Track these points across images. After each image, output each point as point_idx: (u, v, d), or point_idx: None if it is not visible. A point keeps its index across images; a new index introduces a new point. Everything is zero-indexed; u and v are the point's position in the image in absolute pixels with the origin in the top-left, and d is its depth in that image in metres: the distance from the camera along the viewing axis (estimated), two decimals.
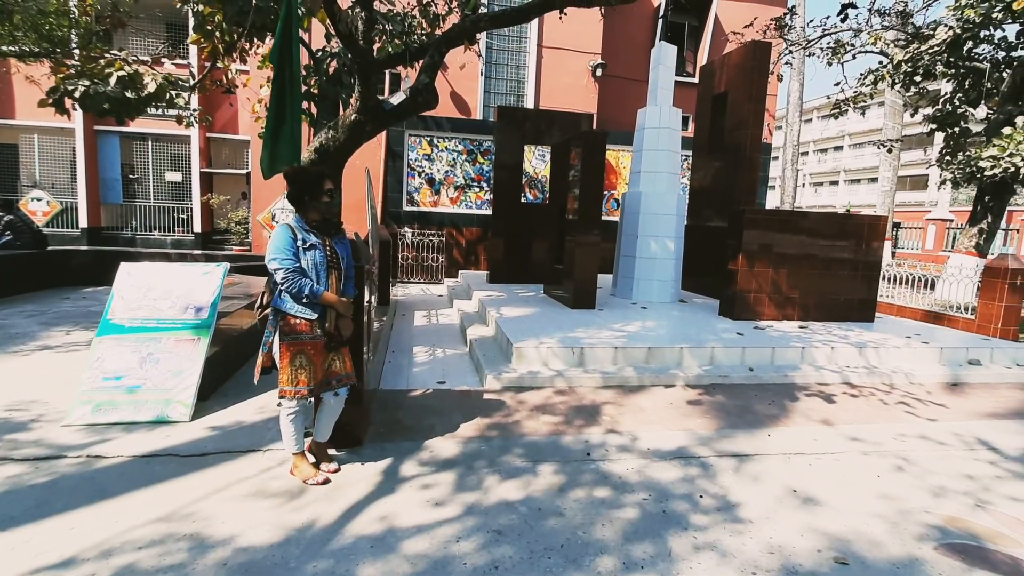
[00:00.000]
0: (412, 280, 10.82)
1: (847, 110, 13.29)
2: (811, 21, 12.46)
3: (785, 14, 12.28)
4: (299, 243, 2.59)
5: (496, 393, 4.04)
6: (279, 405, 2.64)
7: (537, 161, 11.22)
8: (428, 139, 10.76)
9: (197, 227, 15.72)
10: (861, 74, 11.72)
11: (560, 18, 7.92)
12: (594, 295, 6.39)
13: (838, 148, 47.24)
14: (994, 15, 7.84)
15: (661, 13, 13.77)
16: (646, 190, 7.16)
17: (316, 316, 2.61)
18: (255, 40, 6.95)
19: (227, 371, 4.17)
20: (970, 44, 8.84)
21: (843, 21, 4.86)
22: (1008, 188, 8.70)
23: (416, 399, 3.87)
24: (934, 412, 4.08)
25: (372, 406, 3.67)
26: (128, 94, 7.05)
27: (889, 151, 14.29)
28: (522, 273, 8.60)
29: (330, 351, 2.70)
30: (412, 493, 2.62)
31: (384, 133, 11.04)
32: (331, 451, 2.97)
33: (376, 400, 3.79)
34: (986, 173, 8.02)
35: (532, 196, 11.14)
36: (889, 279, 8.31)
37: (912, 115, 13.32)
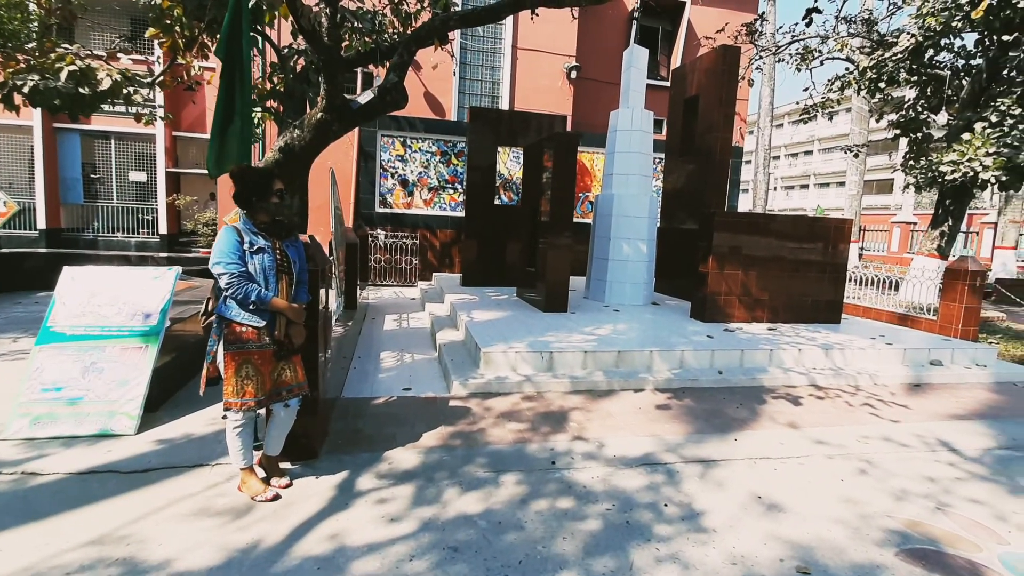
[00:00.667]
0: (385, 283, 10.64)
1: (816, 115, 13.57)
2: (780, 27, 12.71)
3: (755, 20, 12.48)
4: (246, 246, 2.45)
5: (462, 400, 3.94)
6: (224, 418, 2.50)
7: (512, 163, 11.16)
8: (401, 140, 10.60)
9: (163, 228, 15.24)
10: (829, 80, 11.98)
11: (532, 19, 7.88)
12: (566, 298, 6.34)
13: (808, 152, 48.40)
14: (954, 24, 8.07)
15: (634, 16, 13.87)
16: (618, 192, 7.15)
17: (264, 323, 2.48)
18: (217, 35, 6.73)
19: (179, 380, 3.98)
20: (931, 52, 9.08)
21: (808, 26, 4.91)
22: (968, 192, 8.96)
23: (379, 407, 3.75)
24: (897, 413, 4.12)
25: (332, 415, 3.54)
26: (82, 90, 6.76)
27: (856, 156, 14.64)
28: (496, 276, 8.51)
29: (280, 360, 2.57)
30: (367, 508, 2.50)
31: (356, 133, 10.85)
32: (284, 465, 2.83)
33: (337, 409, 3.66)
34: (947, 177, 8.24)
35: (507, 198, 11.08)
36: (856, 281, 8.46)
37: (877, 121, 13.67)
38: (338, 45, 5.52)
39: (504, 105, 12.46)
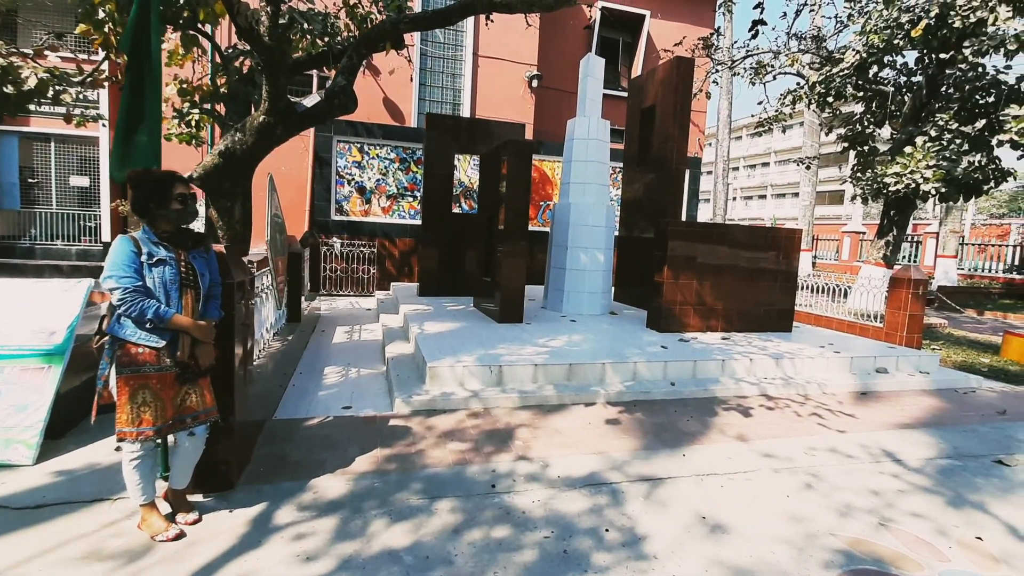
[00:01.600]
0: (341, 293, 10.29)
1: (771, 128, 13.95)
2: (735, 42, 13.04)
3: (711, 34, 12.77)
4: (143, 258, 2.21)
5: (404, 419, 3.74)
6: (118, 449, 2.24)
7: (473, 171, 11.02)
8: (358, 146, 10.32)
9: (106, 236, 14.44)
10: (781, 94, 12.34)
11: (487, 24, 7.78)
12: (521, 308, 6.21)
13: (765, 164, 50.09)
14: (895, 42, 8.39)
15: (588, 27, 14.00)
16: (575, 201, 7.09)
17: (164, 343, 2.24)
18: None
19: (89, 404, 3.63)
20: (875, 68, 9.43)
21: (754, 38, 4.96)
22: (910, 203, 9.30)
23: (312, 429, 3.51)
24: (844, 423, 4.13)
25: (259, 440, 3.28)
26: (6, 89, 6.31)
27: (807, 168, 15.12)
28: (453, 286, 8.32)
29: (184, 383, 2.32)
30: (281, 546, 2.27)
31: (311, 139, 10.52)
32: (194, 498, 2.58)
33: (265, 432, 3.40)
34: (890, 189, 8.53)
35: (468, 206, 10.91)
36: (809, 289, 8.63)
37: (827, 134, 14.14)
38: (279, 45, 5.27)
39: (465, 112, 12.35)
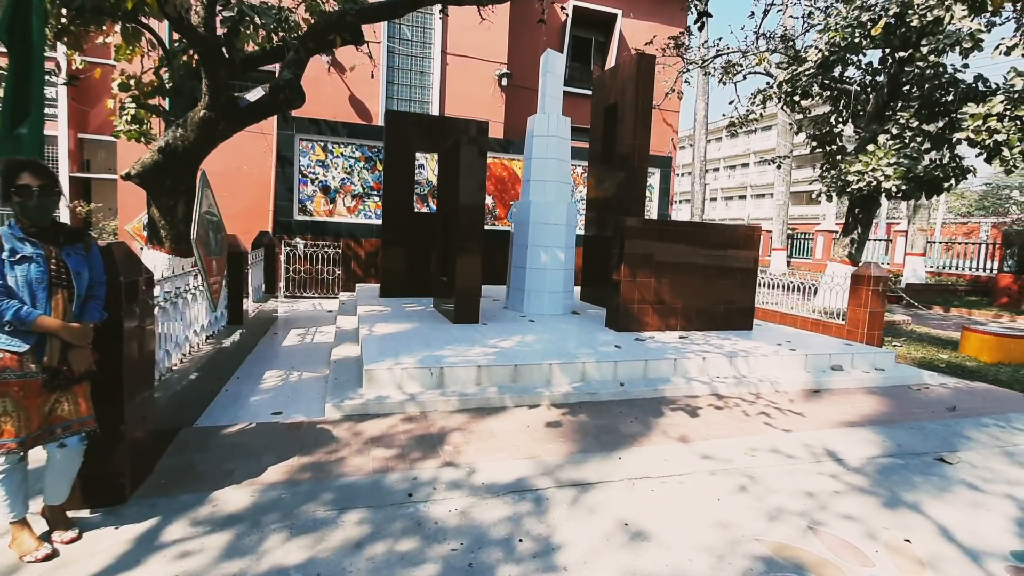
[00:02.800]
0: (305, 295, 10.06)
1: (742, 127, 13.96)
2: (705, 41, 13.07)
3: (681, 34, 12.77)
4: (5, 255, 2.02)
5: (332, 424, 3.56)
6: None
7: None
8: (322, 144, 10.09)
9: None
10: (752, 94, 12.37)
11: (440, 17, 7.62)
12: (477, 308, 6.06)
13: (745, 165, 50.68)
14: (856, 40, 8.42)
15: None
16: (535, 199, 6.97)
17: (27, 347, 2.05)
18: (92, 24, 6.12)
19: None
20: (839, 67, 9.48)
21: (700, 29, 4.90)
22: (874, 201, 9.36)
23: (229, 437, 3.32)
24: (791, 422, 4.05)
25: (168, 449, 3.09)
26: None
27: (779, 167, 15.21)
28: (415, 286, 8.15)
29: (53, 391, 2.13)
30: (161, 566, 2.10)
31: (274, 137, 10.27)
32: (79, 513, 2.39)
33: (177, 441, 3.20)
34: (853, 187, 8.56)
35: (436, 205, 10.72)
36: (777, 287, 8.61)
37: (796, 134, 14.24)
38: (224, 36, 5.07)
39: (435, 111, 12.18)
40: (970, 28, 7.38)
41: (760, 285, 8.70)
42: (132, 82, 6.95)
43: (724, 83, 13.12)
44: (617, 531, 2.47)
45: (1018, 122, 7.20)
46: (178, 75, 6.54)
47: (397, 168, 7.96)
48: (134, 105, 6.62)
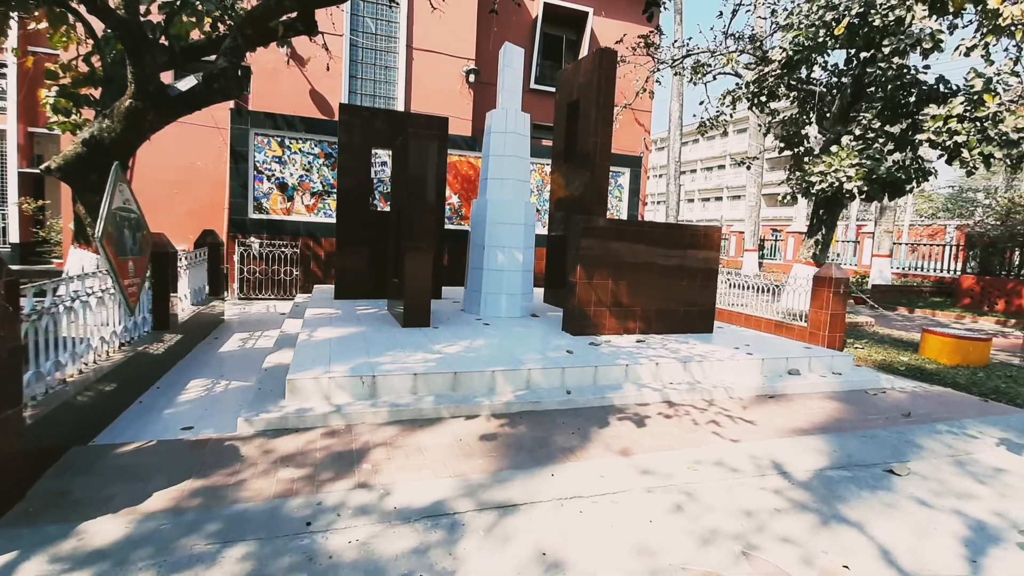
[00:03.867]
0: (260, 296, 9.66)
1: (712, 128, 13.91)
2: (675, 41, 12.99)
3: (651, 32, 12.66)
4: None
5: (243, 440, 3.26)
6: None
7: None
8: (278, 139, 9.70)
9: (14, 237, 13.37)
10: (721, 95, 12.32)
11: (391, 6, 7.32)
12: (427, 311, 5.80)
13: (721, 167, 51.25)
14: (820, 40, 8.37)
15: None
16: (492, 198, 6.73)
17: None
18: (17, 12, 5.69)
19: None
20: (804, 67, 9.43)
21: (650, 20, 4.72)
22: (838, 202, 9.34)
23: (122, 457, 3.00)
24: (741, 431, 3.88)
25: (47, 471, 2.76)
26: None
27: (748, 168, 15.23)
28: (372, 288, 7.84)
29: None
30: None
31: (227, 131, 9.84)
32: None
33: (61, 463, 2.87)
34: (816, 188, 8.51)
35: (383, 204, 10.39)
36: (747, 288, 8.50)
37: (764, 136, 14.28)
38: (136, 18, 4.71)
39: (400, 106, 11.87)
40: (930, 29, 7.36)
41: (730, 287, 8.60)
42: (62, 71, 6.52)
43: (695, 83, 13.06)
44: (531, 562, 2.23)
45: (977, 124, 7.20)
46: (109, 63, 6.14)
47: (352, 164, 7.64)
48: (53, 95, 6.19)
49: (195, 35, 6.93)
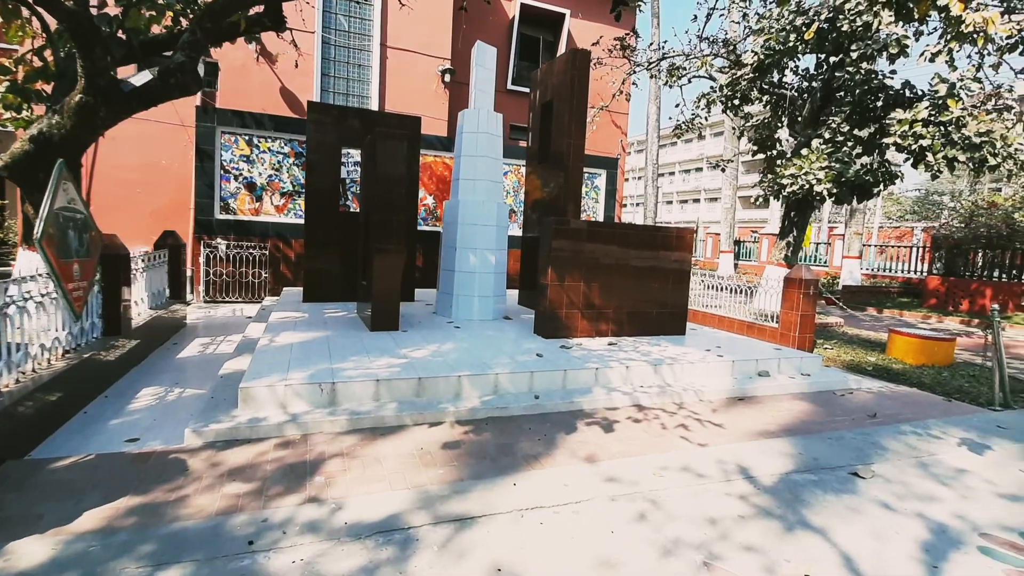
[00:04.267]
0: (227, 299, 9.38)
1: (688, 131, 14.02)
2: (651, 43, 13.04)
3: (627, 34, 12.70)
4: None
5: (190, 453, 3.10)
6: None
7: None
8: (246, 138, 9.44)
9: None
10: (696, 98, 12.41)
11: (359, 3, 7.17)
12: (396, 314, 5.66)
13: (699, 170, 51.92)
14: (791, 44, 8.47)
15: (515, 27, 13.68)
16: (464, 199, 6.63)
17: None
18: None
19: None
20: (775, 71, 9.54)
21: (618, 19, 4.68)
22: (809, 204, 9.46)
23: (57, 472, 2.81)
24: (709, 435, 3.84)
25: None
26: None
27: (723, 170, 15.39)
28: (343, 291, 7.66)
29: None
30: None
31: (193, 129, 9.53)
32: None
33: None
34: (787, 190, 8.61)
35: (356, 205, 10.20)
36: (721, 289, 8.52)
37: (739, 138, 14.45)
38: (85, 9, 4.49)
39: (374, 106, 11.67)
40: (896, 34, 7.50)
41: (705, 288, 8.62)
42: (14, 65, 6.22)
43: (670, 86, 13.14)
44: None
45: (941, 128, 7.35)
46: (60, 56, 5.87)
47: (322, 163, 7.46)
48: (1, 90, 5.90)
49: (157, 30, 6.68)
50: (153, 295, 6.23)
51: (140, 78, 5.07)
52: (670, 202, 55.18)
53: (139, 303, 5.57)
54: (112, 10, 7.49)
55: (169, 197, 10.33)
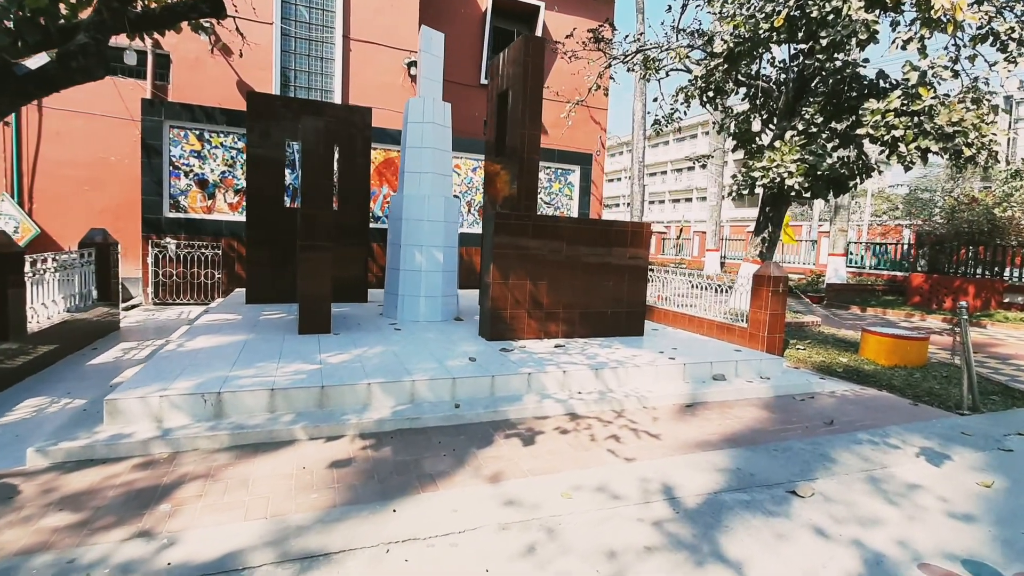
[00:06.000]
0: (178, 301, 8.96)
1: (667, 126, 13.65)
2: (626, 36, 12.69)
3: (600, 26, 12.35)
4: None
5: (27, 477, 2.70)
6: None
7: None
8: (196, 133, 9.03)
9: None
10: (674, 92, 12.06)
11: None
12: (326, 316, 5.27)
13: (691, 168, 51.66)
14: (761, 33, 8.11)
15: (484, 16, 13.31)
16: (409, 192, 6.25)
17: None
18: None
19: None
20: (747, 60, 9.19)
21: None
22: (784, 199, 9.11)
23: None
24: (641, 447, 3.47)
25: None
26: None
27: (703, 167, 15.05)
28: (284, 291, 7.27)
29: None
30: None
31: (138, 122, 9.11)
32: None
33: None
34: (758, 184, 8.26)
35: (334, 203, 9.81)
36: (693, 287, 8.14)
37: (719, 133, 14.11)
38: None
39: (337, 100, 11.27)
40: (865, 19, 7.15)
41: (692, 287, 8.22)
42: None
43: (647, 79, 12.80)
44: None
45: (914, 118, 7.01)
46: None
47: (263, 157, 7.07)
48: None
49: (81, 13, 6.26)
50: (74, 296, 5.82)
51: (36, 60, 4.68)
52: (663, 201, 54.99)
53: (46, 306, 5.16)
54: None
55: (119, 195, 9.89)
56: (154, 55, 9.90)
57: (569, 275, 5.61)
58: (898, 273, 15.13)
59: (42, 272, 5.10)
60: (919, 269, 13.22)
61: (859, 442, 3.77)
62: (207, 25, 7.72)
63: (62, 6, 5.31)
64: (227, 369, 3.82)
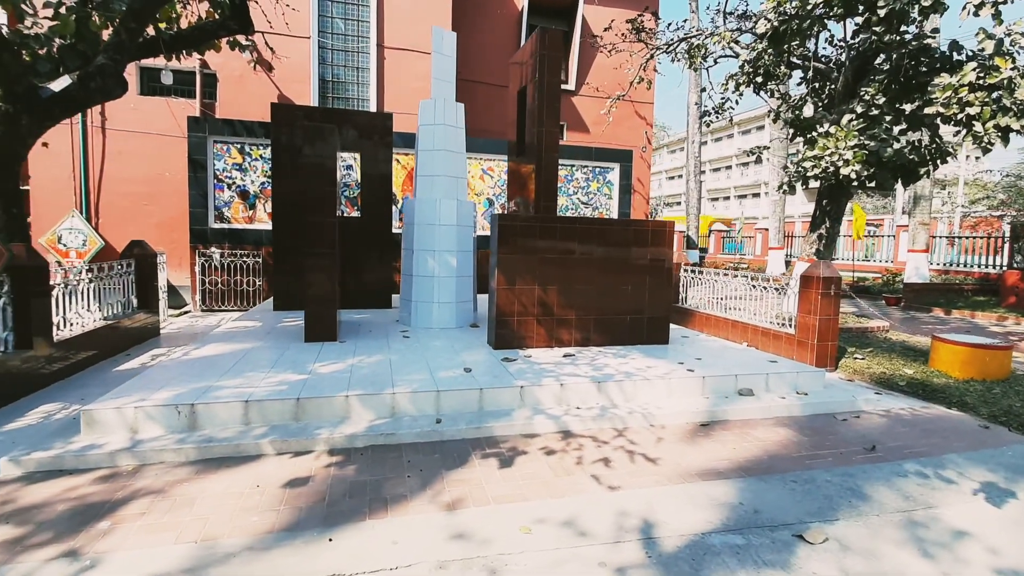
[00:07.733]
0: (223, 308, 9.37)
1: (718, 116, 12.81)
2: (669, 24, 12.03)
3: (638, 16, 11.78)
4: None
5: None
6: None
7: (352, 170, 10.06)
8: (238, 147, 9.43)
9: None
10: (723, 80, 11.28)
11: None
12: (333, 323, 5.22)
13: (758, 162, 48.84)
14: (809, 6, 7.33)
15: (521, 14, 13.08)
16: (421, 196, 6.12)
17: None
18: None
19: None
20: (800, 42, 8.38)
21: None
22: (844, 191, 8.21)
23: None
24: (633, 473, 3.09)
25: None
26: None
27: (757, 160, 14.00)
28: None
29: None
30: None
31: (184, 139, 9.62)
32: None
33: None
34: (808, 174, 7.47)
35: (350, 210, 9.90)
36: (737, 288, 7.50)
37: (774, 121, 13.08)
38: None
39: (373, 108, 11.44)
40: None
41: (734, 288, 7.60)
42: None
43: (695, 69, 12.09)
44: None
45: (991, 92, 6.04)
46: None
47: (288, 167, 7.21)
48: None
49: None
50: (114, 305, 6.15)
51: (59, 83, 4.95)
52: (727, 198, 52.45)
53: (81, 314, 5.46)
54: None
55: (173, 208, 10.53)
56: (202, 75, 10.47)
57: (582, 279, 5.25)
58: (991, 270, 13.37)
59: (75, 284, 5.40)
60: (1015, 266, 11.58)
61: (903, 474, 3.18)
62: (248, 43, 8.04)
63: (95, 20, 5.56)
64: (215, 379, 3.81)
